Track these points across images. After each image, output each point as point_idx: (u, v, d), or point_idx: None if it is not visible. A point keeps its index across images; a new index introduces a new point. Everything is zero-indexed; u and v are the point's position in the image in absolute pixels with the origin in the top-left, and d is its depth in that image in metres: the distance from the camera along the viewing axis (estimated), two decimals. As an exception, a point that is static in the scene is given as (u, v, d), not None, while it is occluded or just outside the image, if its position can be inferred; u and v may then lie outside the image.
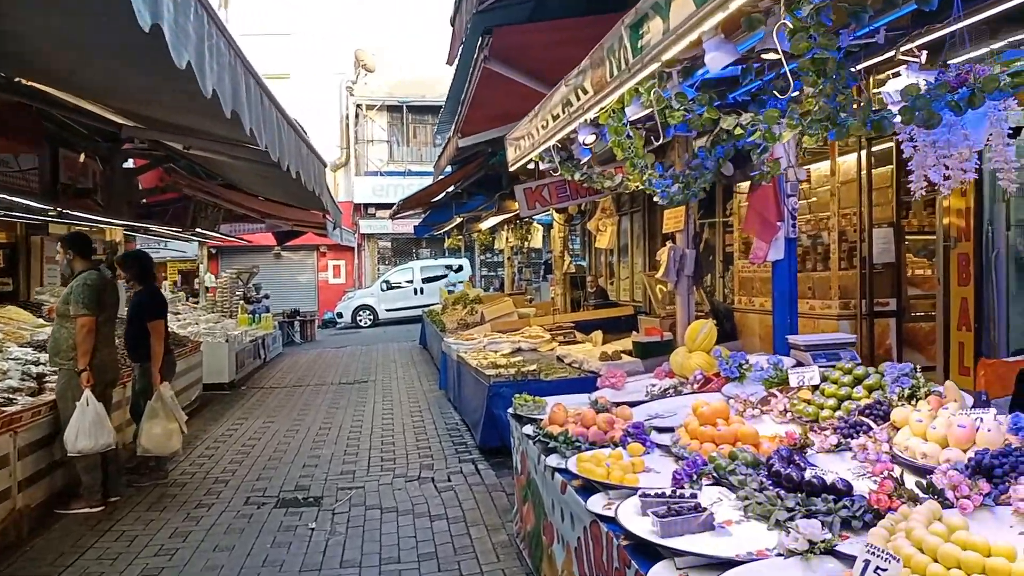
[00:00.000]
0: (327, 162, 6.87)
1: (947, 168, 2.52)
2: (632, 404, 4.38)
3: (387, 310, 23.94)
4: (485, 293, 14.84)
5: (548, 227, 14.86)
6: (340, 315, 24.28)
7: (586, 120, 3.66)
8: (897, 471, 2.38)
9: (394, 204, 18.83)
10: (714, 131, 3.67)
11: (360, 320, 23.97)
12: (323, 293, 26.99)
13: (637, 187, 4.53)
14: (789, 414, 3.50)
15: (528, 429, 4.19)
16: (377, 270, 27.01)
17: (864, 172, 7.29)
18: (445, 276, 23.95)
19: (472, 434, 7.38)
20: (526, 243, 13.83)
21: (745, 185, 8.72)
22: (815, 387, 3.57)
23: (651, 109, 3.15)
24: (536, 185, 7.04)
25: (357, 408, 9.60)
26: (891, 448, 2.79)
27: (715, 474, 2.87)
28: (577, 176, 4.84)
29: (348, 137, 26.56)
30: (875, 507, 2.27)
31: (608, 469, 3.07)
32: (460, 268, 24.25)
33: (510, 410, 4.77)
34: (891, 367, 3.19)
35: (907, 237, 7.60)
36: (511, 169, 5.50)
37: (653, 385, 4.95)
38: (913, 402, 2.98)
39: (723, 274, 10.37)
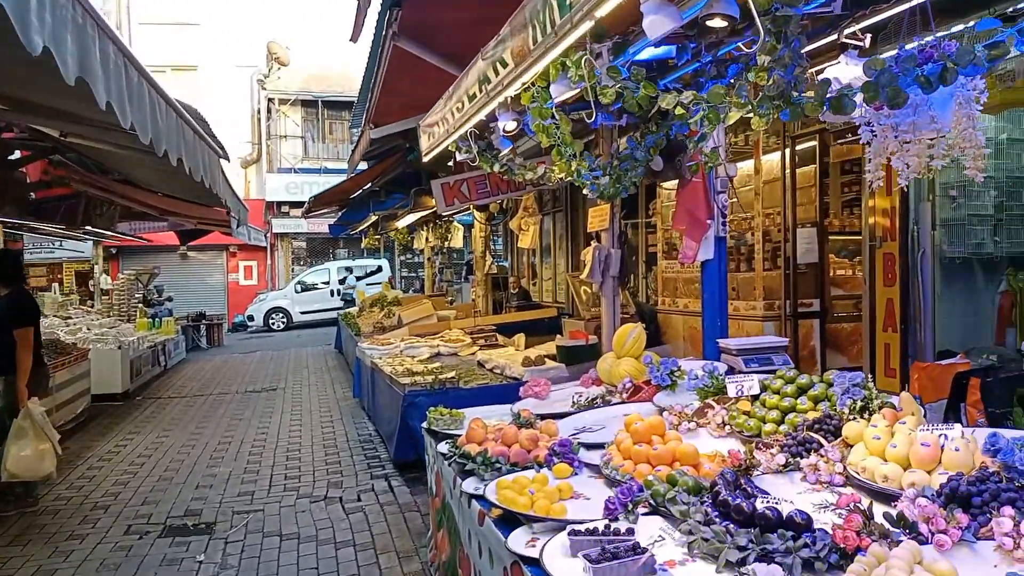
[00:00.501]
0: (222, 152, 6.25)
1: (912, 155, 2.25)
2: (557, 416, 4.02)
3: (301, 312, 23.01)
4: (404, 295, 14.29)
5: (469, 227, 14.41)
6: (251, 318, 23.19)
7: (506, 100, 3.26)
8: (865, 503, 2.07)
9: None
10: (650, 112, 3.33)
11: (273, 323, 22.95)
12: (234, 295, 25.78)
13: (561, 180, 4.18)
14: (728, 427, 3.20)
15: (444, 447, 3.77)
16: (291, 271, 25.97)
17: (788, 171, 7.18)
18: (362, 277, 23.15)
19: (386, 446, 6.88)
20: (446, 243, 13.35)
21: (669, 184, 8.54)
22: (755, 397, 3.28)
23: (579, 88, 2.77)
24: (454, 180, 6.60)
25: (262, 419, 8.93)
26: (845, 468, 2.50)
27: (652, 502, 2.52)
28: (496, 168, 4.43)
29: (260, 132, 25.45)
30: (841, 546, 1.95)
31: (532, 497, 2.68)
32: (379, 269, 23.53)
33: (424, 424, 4.33)
34: (839, 376, 2.92)
35: (830, 237, 7.56)
36: (424, 159, 5.05)
37: (579, 394, 4.60)
38: (866, 415, 2.70)
39: (646, 275, 10.20)
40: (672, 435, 3.00)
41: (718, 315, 4.88)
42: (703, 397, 3.57)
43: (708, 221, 4.81)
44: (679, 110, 2.64)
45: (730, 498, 2.27)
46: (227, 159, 11.97)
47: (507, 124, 3.80)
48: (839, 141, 5.34)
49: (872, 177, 2.51)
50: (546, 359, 6.56)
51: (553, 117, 3.13)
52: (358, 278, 23.14)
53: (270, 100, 25.39)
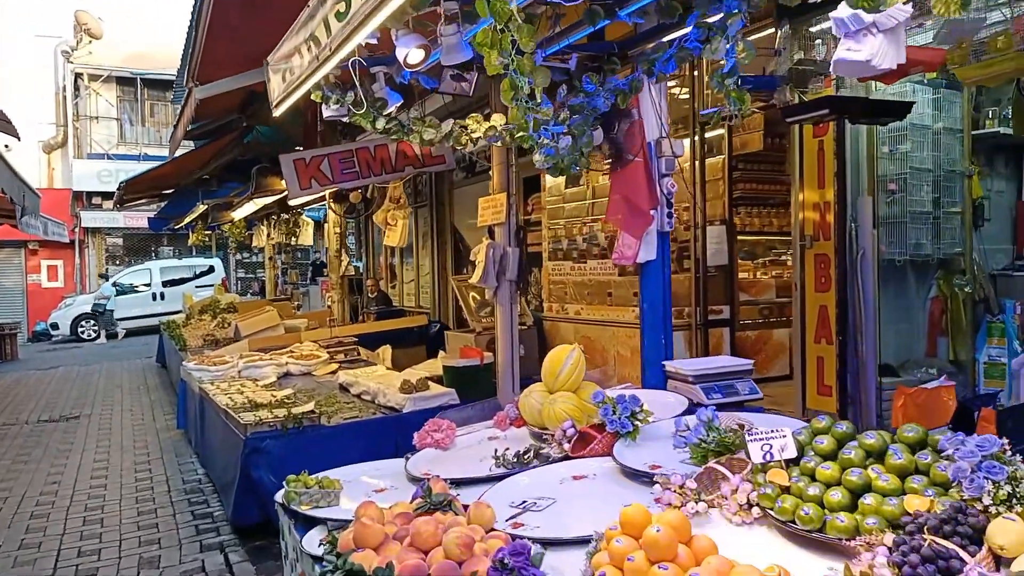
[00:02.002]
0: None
1: None
2: (480, 482, 2.86)
3: (118, 319, 20.12)
4: (242, 299, 12.42)
5: (318, 223, 12.79)
6: (55, 326, 20.00)
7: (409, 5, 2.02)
8: None
9: (125, 192, 15.51)
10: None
11: (82, 331, 19.89)
12: (35, 299, 22.26)
13: (478, 142, 3.02)
14: (755, 510, 2.17)
15: (315, 544, 2.51)
16: (106, 271, 22.77)
17: (697, 162, 6.40)
18: (189, 280, 20.53)
19: (221, 500, 5.37)
20: (294, 240, 11.61)
21: (555, 180, 7.58)
22: (790, 462, 2.27)
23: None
24: (312, 157, 5.14)
25: (56, 461, 7.02)
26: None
27: None
28: (380, 125, 3.14)
29: (65, 112, 22.09)
30: None
31: None
32: (211, 269, 21.04)
33: (279, 498, 2.98)
34: (952, 440, 1.95)
35: (738, 236, 6.88)
36: (276, 109, 3.63)
37: (495, 439, 3.46)
38: (1015, 506, 1.74)
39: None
40: (703, 542, 1.90)
41: (662, 330, 3.89)
42: (700, 458, 2.52)
43: (651, 212, 3.82)
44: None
45: None
46: (15, 135, 9.69)
47: (410, 54, 2.55)
48: (793, 121, 4.50)
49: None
50: (429, 382, 5.33)
51: (507, 26, 1.93)
52: (183, 280, 20.53)
53: (78, 76, 22.10)
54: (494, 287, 5.40)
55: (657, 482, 2.35)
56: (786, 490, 2.14)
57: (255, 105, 8.61)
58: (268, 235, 12.70)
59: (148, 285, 20.60)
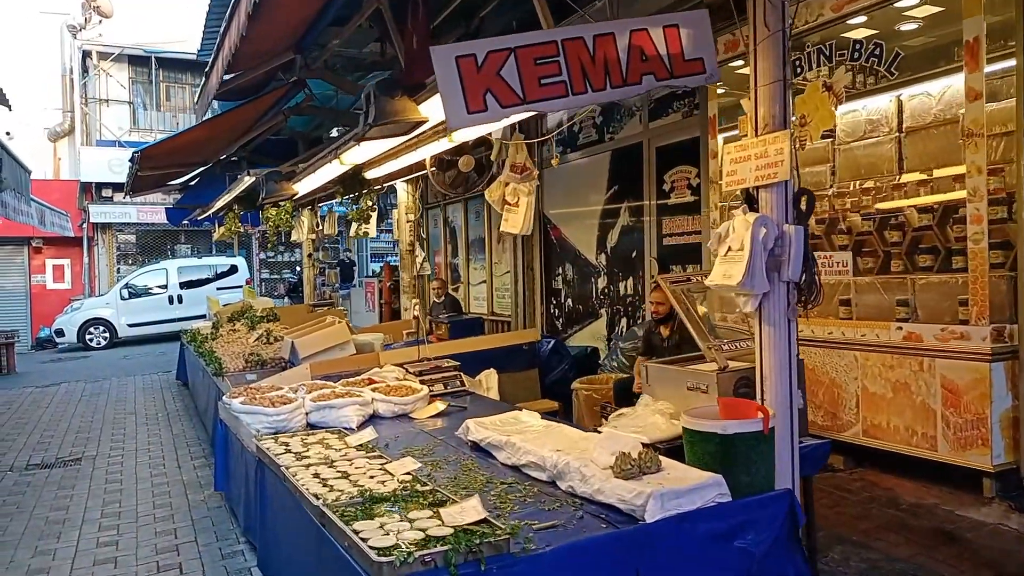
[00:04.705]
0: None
1: None
2: None
3: (130, 325, 18.01)
4: (279, 304, 10.23)
5: (377, 212, 10.51)
6: (61, 332, 17.95)
7: None
8: None
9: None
10: None
11: (91, 339, 17.81)
12: (40, 302, 20.22)
13: None
14: None
15: None
16: (117, 271, 20.69)
17: (1021, 96, 4.18)
18: (209, 281, 18.28)
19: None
20: (361, 229, 9.27)
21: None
22: None
23: None
24: (488, 52, 2.74)
25: (42, 545, 4.86)
26: None
27: None
28: None
29: (73, 96, 20.03)
30: None
31: None
32: (233, 269, 18.90)
33: None
34: None
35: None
36: None
37: None
38: None
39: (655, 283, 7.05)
40: None
41: None
42: None
43: None
44: None
45: None
46: (5, 105, 7.79)
47: None
48: None
49: None
50: (653, 451, 3.12)
51: None
52: (205, 280, 18.40)
53: (86, 54, 20.01)
54: (760, 294, 3.21)
55: None
56: None
57: (311, 50, 6.38)
58: (316, 225, 10.48)
59: (164, 287, 18.48)
